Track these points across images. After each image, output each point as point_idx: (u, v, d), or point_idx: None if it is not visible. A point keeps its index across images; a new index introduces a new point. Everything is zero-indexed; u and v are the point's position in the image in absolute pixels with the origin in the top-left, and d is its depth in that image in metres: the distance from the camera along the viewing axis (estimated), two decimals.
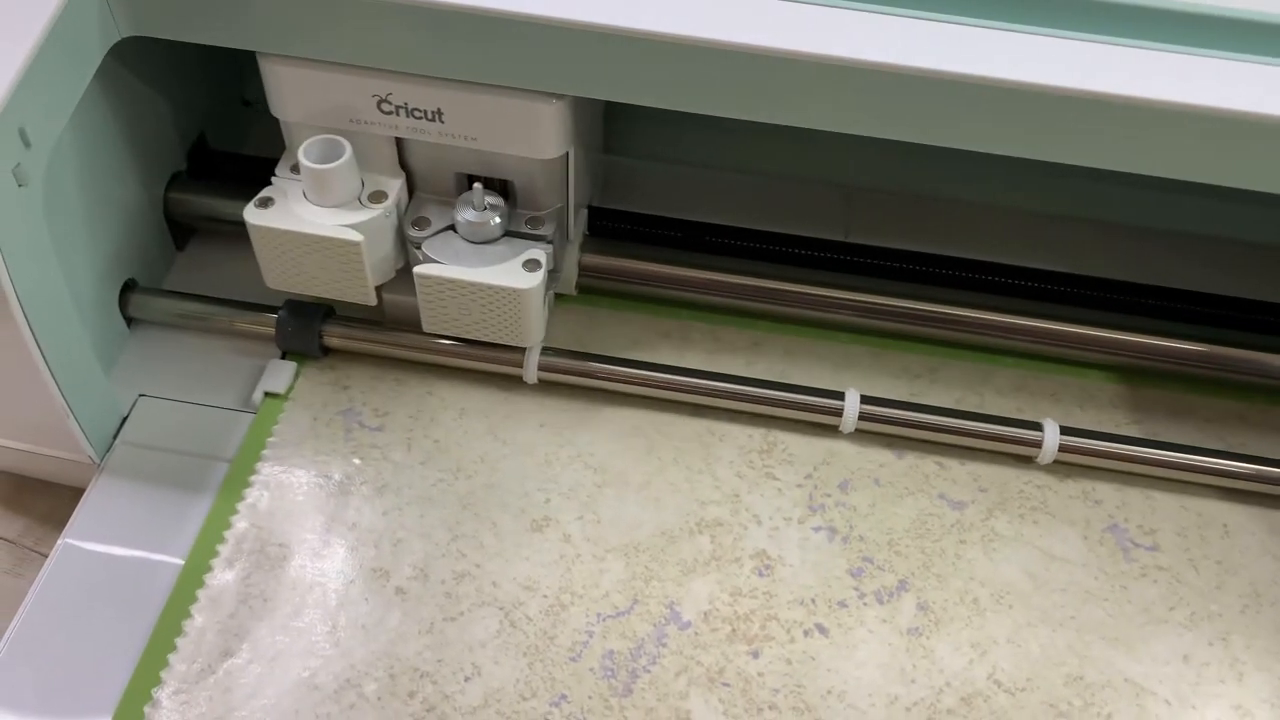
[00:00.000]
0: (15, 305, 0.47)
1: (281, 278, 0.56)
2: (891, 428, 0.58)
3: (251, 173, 0.61)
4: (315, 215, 0.53)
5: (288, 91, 0.52)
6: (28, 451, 0.58)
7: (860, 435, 0.58)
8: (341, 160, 0.52)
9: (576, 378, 0.59)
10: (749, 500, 0.56)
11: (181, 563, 0.53)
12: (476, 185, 0.55)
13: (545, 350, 0.59)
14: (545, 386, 0.59)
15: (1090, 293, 0.62)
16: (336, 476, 0.56)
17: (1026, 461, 0.58)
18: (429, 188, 0.57)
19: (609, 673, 0.51)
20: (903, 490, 0.57)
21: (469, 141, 0.53)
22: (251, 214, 0.54)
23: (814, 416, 0.58)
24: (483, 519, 0.55)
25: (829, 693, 0.51)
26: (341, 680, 0.50)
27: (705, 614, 0.52)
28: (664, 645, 0.51)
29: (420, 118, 0.52)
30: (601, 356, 0.59)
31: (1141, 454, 0.57)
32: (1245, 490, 0.57)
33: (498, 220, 0.55)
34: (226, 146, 0.66)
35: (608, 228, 0.63)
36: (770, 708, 0.50)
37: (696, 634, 0.52)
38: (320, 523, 0.54)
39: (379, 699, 0.49)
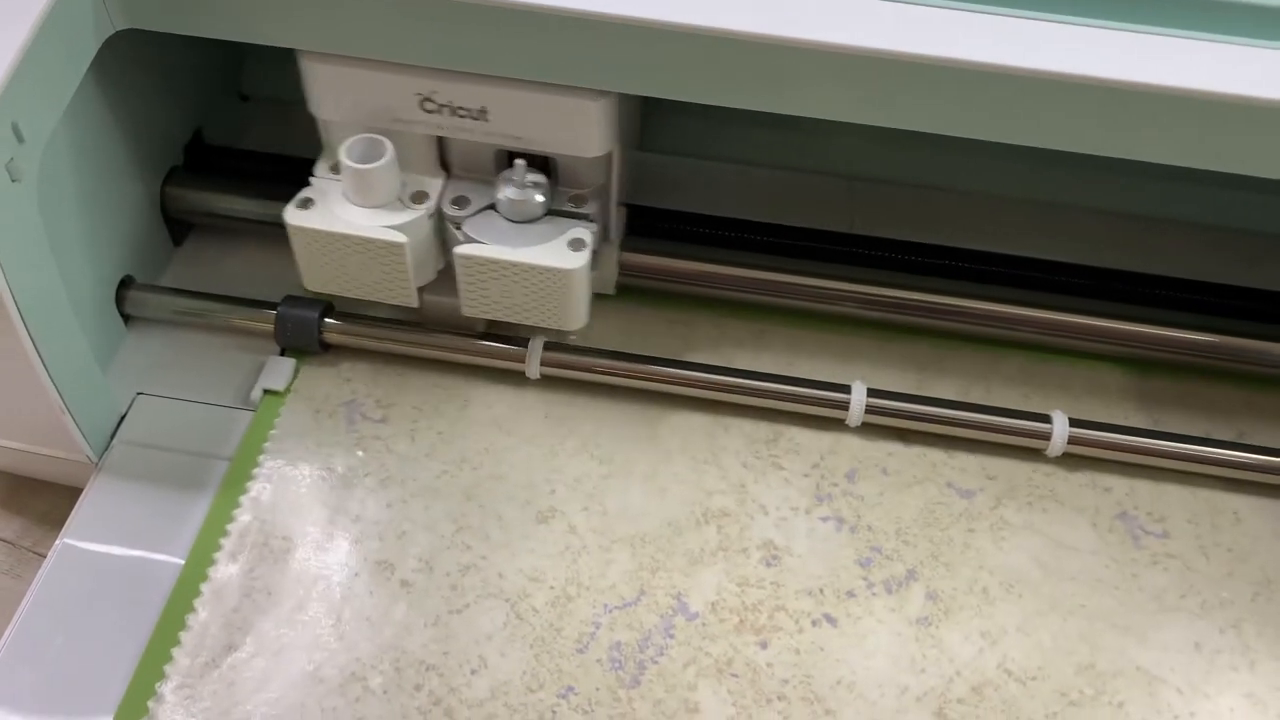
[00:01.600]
0: (10, 303, 0.47)
1: (321, 279, 0.55)
2: (899, 420, 0.58)
3: (249, 167, 0.61)
4: (357, 216, 0.52)
5: (327, 90, 0.52)
6: (24, 451, 0.57)
7: (867, 428, 0.58)
8: (384, 160, 0.51)
9: (579, 372, 0.58)
10: (755, 490, 0.56)
11: (181, 562, 0.52)
12: (518, 161, 0.53)
13: (548, 345, 0.58)
14: (548, 381, 0.59)
15: (1098, 283, 0.62)
16: (339, 469, 0.55)
17: (1035, 454, 0.58)
18: (467, 171, 0.55)
19: (616, 664, 0.50)
20: (910, 479, 0.56)
21: (513, 140, 0.52)
22: (292, 215, 0.53)
23: (821, 410, 0.58)
24: (488, 510, 0.54)
25: (838, 683, 0.50)
26: (347, 673, 0.49)
27: (713, 604, 0.52)
28: (671, 636, 0.51)
29: (464, 116, 0.51)
30: (604, 351, 0.59)
31: (1151, 445, 0.57)
32: (1255, 481, 0.57)
33: (540, 198, 0.53)
34: (223, 141, 0.65)
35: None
36: (779, 698, 0.50)
37: (704, 625, 0.51)
38: (324, 516, 0.54)
39: (385, 692, 0.49)
